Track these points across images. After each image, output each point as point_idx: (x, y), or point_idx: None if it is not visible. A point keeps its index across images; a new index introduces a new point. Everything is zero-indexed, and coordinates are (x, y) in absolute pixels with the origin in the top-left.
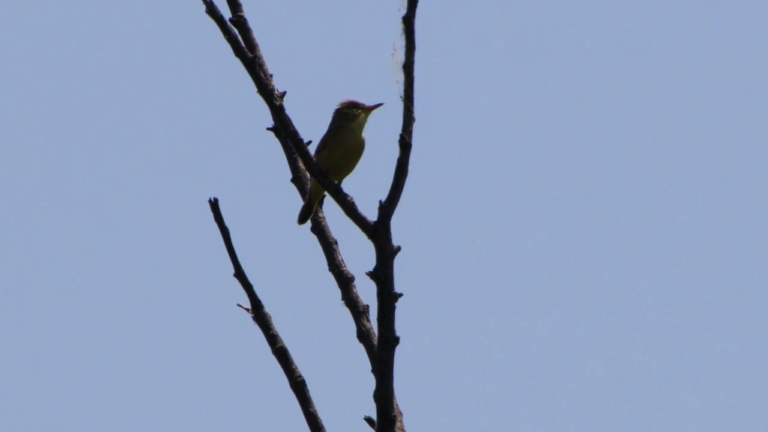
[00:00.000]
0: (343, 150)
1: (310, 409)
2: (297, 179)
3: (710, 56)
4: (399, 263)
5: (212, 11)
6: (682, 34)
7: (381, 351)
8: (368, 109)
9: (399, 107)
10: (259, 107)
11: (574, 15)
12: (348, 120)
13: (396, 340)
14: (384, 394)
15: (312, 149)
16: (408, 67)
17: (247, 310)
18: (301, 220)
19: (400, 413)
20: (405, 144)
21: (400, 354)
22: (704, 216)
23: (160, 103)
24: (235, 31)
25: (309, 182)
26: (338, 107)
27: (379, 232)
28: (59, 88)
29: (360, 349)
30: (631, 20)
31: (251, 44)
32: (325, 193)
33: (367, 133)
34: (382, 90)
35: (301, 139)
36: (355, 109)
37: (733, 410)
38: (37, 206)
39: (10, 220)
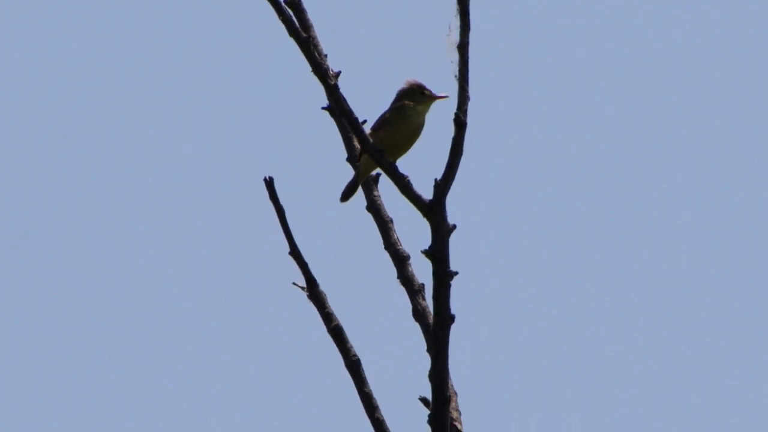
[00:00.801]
0: (405, 129)
1: (365, 389)
2: (352, 158)
3: (710, 56)
4: (454, 242)
5: None
6: (683, 34)
7: (436, 330)
8: (435, 98)
9: (455, 86)
10: (315, 87)
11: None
12: (414, 101)
13: (452, 319)
14: (439, 374)
15: (367, 128)
16: (463, 47)
17: (303, 288)
18: (344, 197)
19: (455, 393)
20: (460, 123)
21: (455, 333)
22: (705, 216)
23: (216, 83)
24: (290, 11)
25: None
26: (405, 87)
27: (434, 210)
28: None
29: (416, 328)
30: (637, 20)
31: (305, 24)
32: (379, 172)
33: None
34: (438, 70)
35: (356, 118)
36: (422, 93)
37: (733, 410)
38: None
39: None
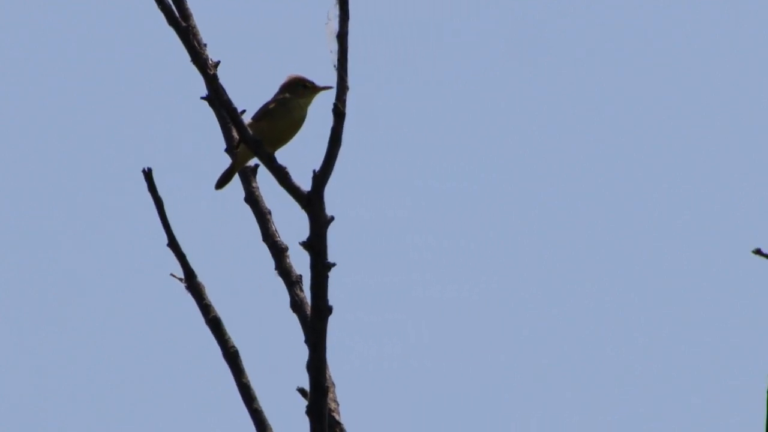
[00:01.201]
0: (287, 121)
1: (243, 380)
2: (231, 149)
3: (710, 56)
4: (332, 233)
5: None
6: (682, 35)
7: (314, 321)
8: (318, 89)
9: (333, 76)
10: (193, 77)
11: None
12: (297, 95)
13: (329, 310)
14: (317, 365)
15: (246, 118)
16: (342, 37)
17: (181, 279)
18: (219, 185)
19: (333, 384)
20: (339, 113)
21: (332, 324)
22: (706, 216)
23: (93, 72)
24: (169, 0)
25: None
26: (287, 81)
27: (313, 201)
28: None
29: (293, 319)
30: (631, 20)
31: (185, 13)
32: (258, 162)
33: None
34: (317, 60)
35: (235, 108)
36: (305, 86)
37: (733, 410)
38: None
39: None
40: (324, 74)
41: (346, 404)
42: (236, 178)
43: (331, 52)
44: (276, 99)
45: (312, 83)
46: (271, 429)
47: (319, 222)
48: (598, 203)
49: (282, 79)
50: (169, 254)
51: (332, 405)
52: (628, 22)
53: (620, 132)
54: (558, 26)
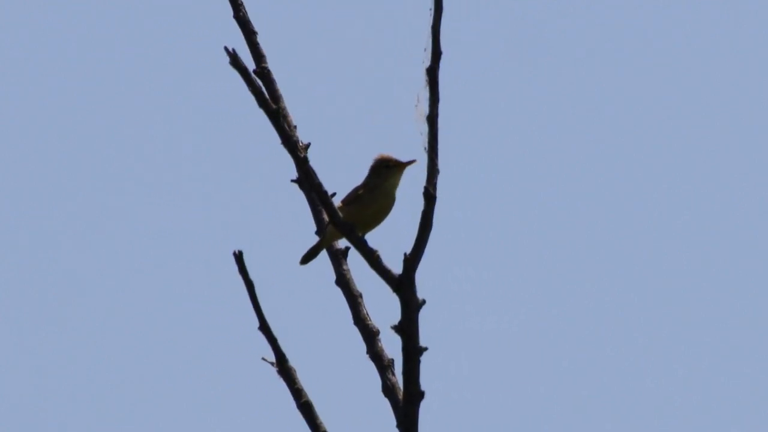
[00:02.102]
0: (376, 207)
1: None
2: (321, 231)
3: (710, 56)
4: (424, 316)
5: (236, 62)
6: (683, 34)
7: (406, 406)
8: (402, 166)
9: (424, 158)
10: (284, 159)
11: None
12: (382, 177)
13: (421, 395)
14: None
15: (337, 200)
16: (432, 119)
17: (272, 363)
18: (305, 260)
19: None
20: (429, 196)
21: (425, 409)
22: (707, 216)
23: (186, 154)
24: (259, 82)
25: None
26: (374, 162)
27: (404, 285)
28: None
29: (385, 404)
30: (631, 20)
31: (275, 95)
32: (348, 245)
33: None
34: (407, 141)
35: (326, 191)
36: (388, 166)
37: (733, 410)
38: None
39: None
40: (415, 155)
41: None
42: (327, 261)
43: (420, 134)
44: (365, 183)
45: (395, 161)
46: None
47: (411, 305)
48: (600, 203)
49: (370, 160)
50: (261, 338)
51: None
52: (628, 23)
53: (620, 132)
54: (558, 26)
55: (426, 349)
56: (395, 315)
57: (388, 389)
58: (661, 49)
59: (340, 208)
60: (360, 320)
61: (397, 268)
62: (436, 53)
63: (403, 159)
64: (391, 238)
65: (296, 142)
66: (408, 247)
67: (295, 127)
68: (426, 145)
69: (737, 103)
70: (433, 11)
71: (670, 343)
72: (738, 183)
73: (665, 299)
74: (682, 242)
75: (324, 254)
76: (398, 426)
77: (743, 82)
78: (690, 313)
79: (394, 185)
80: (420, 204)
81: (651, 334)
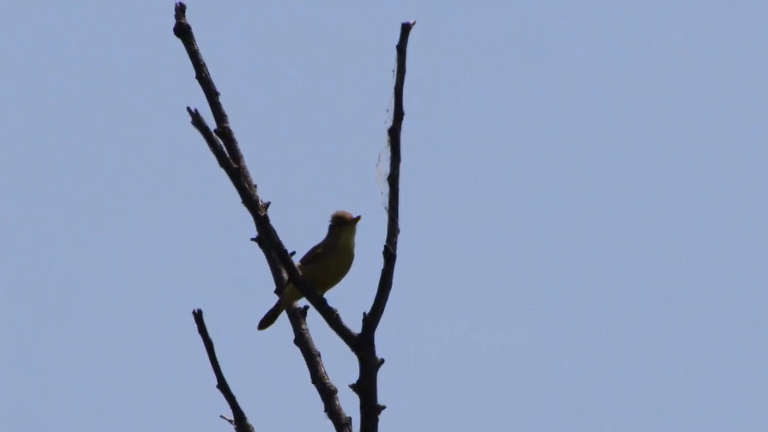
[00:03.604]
0: (334, 266)
1: None
2: (281, 290)
3: (710, 56)
4: (382, 375)
5: (198, 122)
6: (682, 35)
7: None
8: (352, 222)
9: (384, 218)
10: (244, 217)
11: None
12: (335, 235)
13: None
14: None
15: (296, 259)
16: (393, 179)
17: (231, 421)
18: (263, 325)
19: None
20: (389, 255)
21: None
22: (706, 216)
23: (146, 211)
24: (220, 141)
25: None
26: (330, 220)
27: (363, 345)
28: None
29: None
30: (631, 20)
31: (236, 154)
32: (307, 304)
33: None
34: (368, 199)
35: (286, 250)
36: (340, 224)
37: (733, 410)
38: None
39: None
40: (375, 213)
41: None
42: (286, 319)
43: (381, 193)
44: (324, 242)
45: (347, 218)
46: None
47: (369, 365)
48: (601, 204)
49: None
50: (219, 396)
51: None
52: (628, 23)
53: (619, 133)
54: (557, 26)
55: (384, 407)
56: (353, 373)
57: None
58: (657, 50)
59: (299, 267)
60: (318, 378)
61: (356, 327)
62: (399, 114)
63: (354, 215)
64: (350, 296)
65: (256, 200)
66: (367, 306)
67: (256, 186)
68: (386, 204)
69: (737, 103)
70: (396, 72)
71: (662, 360)
72: (738, 183)
73: (655, 310)
74: (681, 244)
75: (283, 313)
76: None
77: (743, 82)
78: (689, 314)
79: (349, 242)
80: (380, 263)
81: (642, 345)
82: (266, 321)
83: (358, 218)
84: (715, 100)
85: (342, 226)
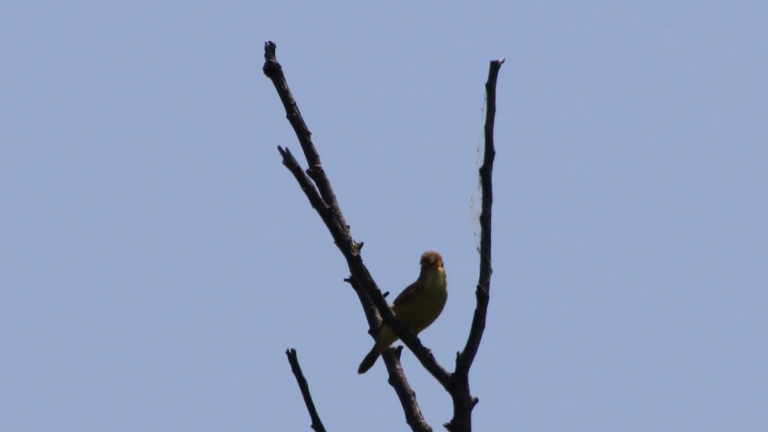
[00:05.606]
0: (427, 306)
1: None
2: (374, 330)
3: (710, 56)
4: (477, 414)
5: (290, 162)
6: (682, 34)
7: None
8: (432, 267)
9: (477, 258)
10: (337, 257)
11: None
12: (423, 277)
13: None
14: None
15: (390, 299)
16: (485, 219)
17: None
18: (363, 369)
19: None
20: (482, 295)
21: None
22: (705, 216)
23: (242, 252)
24: (313, 182)
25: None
26: (420, 261)
27: (456, 383)
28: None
29: None
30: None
31: (328, 195)
32: (401, 344)
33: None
34: (461, 239)
35: (379, 291)
36: (428, 265)
37: (733, 410)
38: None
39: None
40: (467, 255)
41: None
42: (380, 359)
43: (474, 234)
44: (417, 283)
45: (432, 260)
46: None
47: (463, 404)
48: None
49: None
50: None
51: None
52: (628, 22)
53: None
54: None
55: None
56: (448, 413)
57: None
58: (659, 50)
59: (392, 308)
60: (413, 418)
61: (449, 366)
62: (489, 153)
63: (449, 257)
64: (443, 336)
65: (349, 241)
66: (461, 346)
67: (348, 226)
68: (479, 245)
69: (737, 103)
70: (485, 111)
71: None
72: (738, 183)
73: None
74: (681, 246)
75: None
76: None
77: (743, 82)
78: (689, 313)
79: (436, 283)
80: (473, 303)
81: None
82: (365, 364)
83: (435, 262)
84: (715, 99)
85: (428, 268)
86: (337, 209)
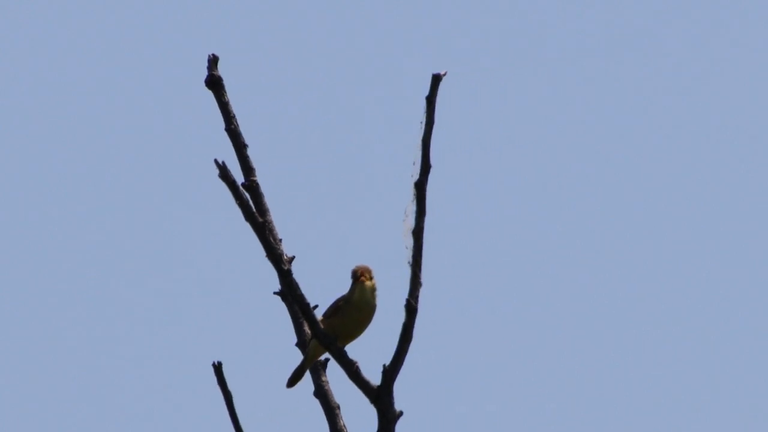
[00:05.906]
0: (354, 319)
1: None
2: (302, 343)
3: (710, 56)
4: (401, 427)
5: (225, 175)
6: (682, 34)
7: None
8: (360, 281)
9: (407, 271)
10: (269, 270)
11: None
12: (352, 290)
13: None
14: None
15: (319, 312)
16: (417, 233)
17: None
18: (291, 383)
19: None
20: (411, 308)
21: None
22: (704, 217)
23: (170, 265)
24: (247, 195)
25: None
26: (351, 274)
27: (381, 397)
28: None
29: None
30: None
31: (262, 208)
32: (328, 357)
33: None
34: (392, 254)
35: (308, 304)
36: (356, 278)
37: (733, 410)
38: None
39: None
40: (398, 269)
41: None
42: (306, 373)
43: (406, 248)
44: (346, 296)
45: (360, 274)
46: None
47: (388, 417)
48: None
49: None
50: None
51: None
52: (627, 23)
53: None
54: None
55: None
56: (372, 425)
57: None
58: (659, 50)
59: (321, 320)
60: (337, 431)
61: (376, 379)
62: (426, 167)
63: (381, 270)
64: (371, 349)
65: (281, 254)
66: (387, 359)
67: (281, 240)
68: (410, 258)
69: (737, 103)
70: (424, 123)
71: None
72: (737, 183)
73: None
74: (681, 249)
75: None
76: None
77: (743, 82)
78: (688, 314)
79: (365, 296)
80: (401, 316)
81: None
82: (294, 378)
83: (362, 276)
84: (714, 100)
85: (356, 282)
86: (270, 222)
